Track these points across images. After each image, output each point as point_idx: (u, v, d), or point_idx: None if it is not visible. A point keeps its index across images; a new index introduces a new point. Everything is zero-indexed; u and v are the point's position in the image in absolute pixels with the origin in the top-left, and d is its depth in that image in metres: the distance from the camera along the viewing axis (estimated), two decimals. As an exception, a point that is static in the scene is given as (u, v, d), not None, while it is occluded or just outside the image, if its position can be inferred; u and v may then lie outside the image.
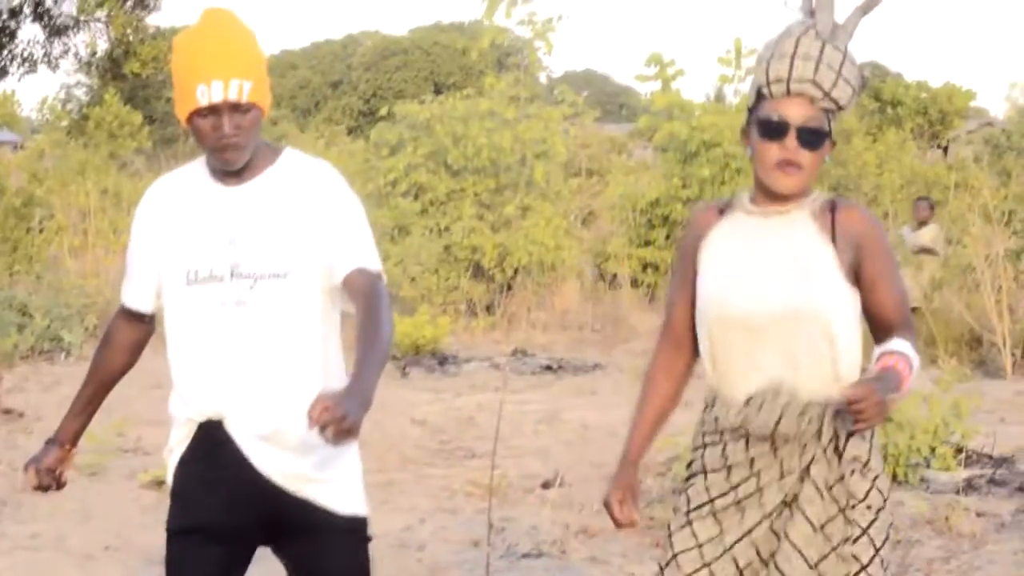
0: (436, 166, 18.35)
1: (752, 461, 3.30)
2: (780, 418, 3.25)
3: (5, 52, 20.47)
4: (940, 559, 6.74)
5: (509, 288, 17.61)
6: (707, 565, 3.32)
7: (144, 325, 3.55)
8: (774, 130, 3.28)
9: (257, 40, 3.33)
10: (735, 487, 3.32)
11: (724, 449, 3.34)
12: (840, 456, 3.26)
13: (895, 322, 3.29)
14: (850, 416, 3.10)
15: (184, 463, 3.40)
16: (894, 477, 8.12)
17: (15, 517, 7.58)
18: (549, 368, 14.01)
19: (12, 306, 13.59)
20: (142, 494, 8.02)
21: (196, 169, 3.42)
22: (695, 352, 3.49)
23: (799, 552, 3.23)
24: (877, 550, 3.26)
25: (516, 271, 17.58)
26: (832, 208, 3.33)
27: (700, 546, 3.33)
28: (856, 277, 3.31)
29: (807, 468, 3.26)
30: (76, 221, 17.98)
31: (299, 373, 3.29)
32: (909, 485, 8.09)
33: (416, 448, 9.70)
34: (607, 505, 3.50)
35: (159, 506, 3.46)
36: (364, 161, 19.63)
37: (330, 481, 3.34)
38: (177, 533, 3.40)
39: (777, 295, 3.28)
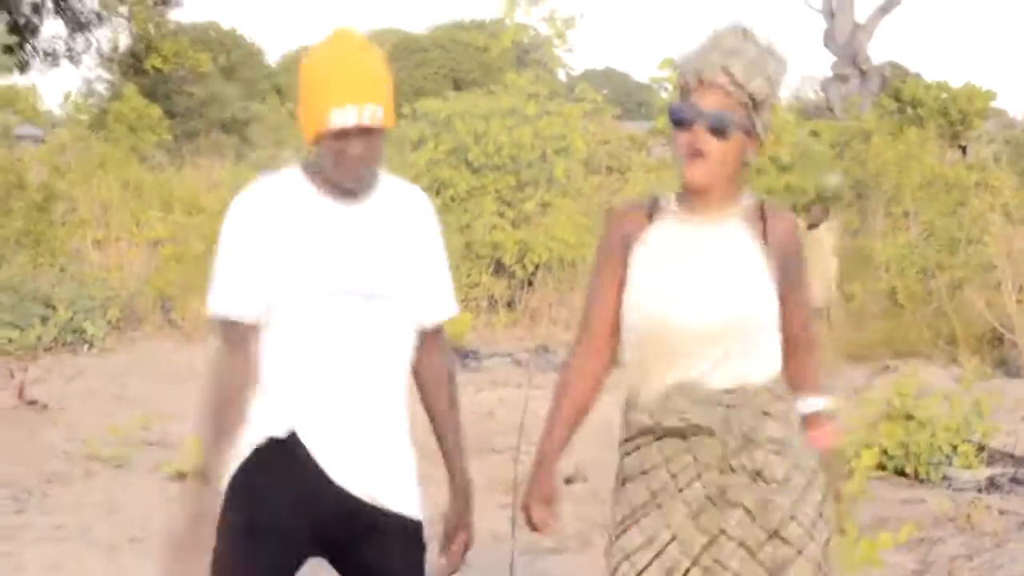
0: (457, 163, 18.35)
1: (668, 461, 3.29)
2: (688, 410, 3.25)
3: (28, 47, 20.54)
4: (962, 557, 6.74)
5: (530, 284, 17.61)
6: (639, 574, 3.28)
7: (251, 357, 3.32)
8: (683, 118, 3.26)
9: (385, 62, 3.32)
10: (654, 493, 3.30)
11: (640, 455, 3.34)
12: (753, 442, 3.25)
13: (800, 338, 3.35)
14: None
15: (249, 468, 3.32)
16: (916, 475, 8.13)
17: (40, 508, 7.63)
18: (570, 364, 13.96)
19: (36, 298, 13.64)
20: (167, 486, 8.06)
21: (296, 181, 3.35)
22: (614, 356, 3.48)
23: (735, 540, 3.22)
24: (812, 536, 3.24)
25: (537, 267, 17.58)
26: (762, 213, 3.32)
27: (628, 556, 3.30)
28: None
29: (728, 460, 3.25)
30: (98, 214, 17.98)
31: (393, 390, 3.36)
32: (931, 483, 8.10)
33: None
34: (525, 510, 3.53)
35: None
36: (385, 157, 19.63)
37: (402, 489, 3.37)
38: (235, 532, 3.30)
39: (717, 306, 3.25)
